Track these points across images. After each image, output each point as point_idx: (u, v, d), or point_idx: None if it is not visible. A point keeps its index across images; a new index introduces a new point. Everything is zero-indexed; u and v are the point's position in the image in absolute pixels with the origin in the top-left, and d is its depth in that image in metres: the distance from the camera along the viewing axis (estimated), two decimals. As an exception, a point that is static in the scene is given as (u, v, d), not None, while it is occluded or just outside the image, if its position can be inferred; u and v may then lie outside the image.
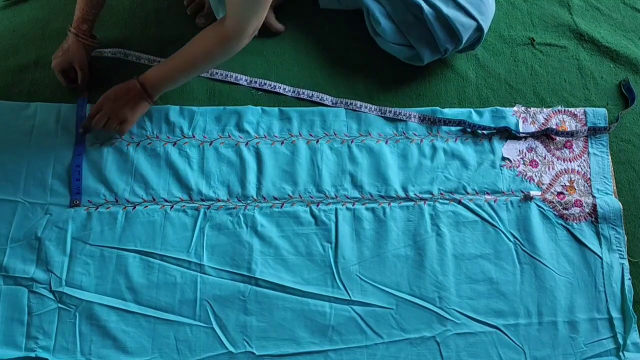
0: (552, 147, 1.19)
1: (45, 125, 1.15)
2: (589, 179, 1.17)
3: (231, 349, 1.02)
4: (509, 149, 1.18)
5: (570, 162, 1.18)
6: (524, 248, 1.10)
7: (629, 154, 1.20)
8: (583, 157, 1.18)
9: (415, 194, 1.14)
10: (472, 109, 1.21)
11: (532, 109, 1.22)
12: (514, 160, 1.17)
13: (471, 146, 1.18)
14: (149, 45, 1.24)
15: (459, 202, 1.13)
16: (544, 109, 1.22)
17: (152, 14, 1.29)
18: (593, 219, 1.13)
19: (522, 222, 1.12)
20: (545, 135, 1.19)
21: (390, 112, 1.19)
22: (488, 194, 1.14)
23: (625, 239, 1.12)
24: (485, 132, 1.19)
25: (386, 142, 1.17)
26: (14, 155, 1.12)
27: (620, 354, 1.04)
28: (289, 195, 1.13)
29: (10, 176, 1.11)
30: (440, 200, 1.13)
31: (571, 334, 1.05)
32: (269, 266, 1.07)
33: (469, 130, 1.19)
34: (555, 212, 1.13)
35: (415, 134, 1.18)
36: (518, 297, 1.07)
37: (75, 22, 1.14)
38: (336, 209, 1.12)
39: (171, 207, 1.11)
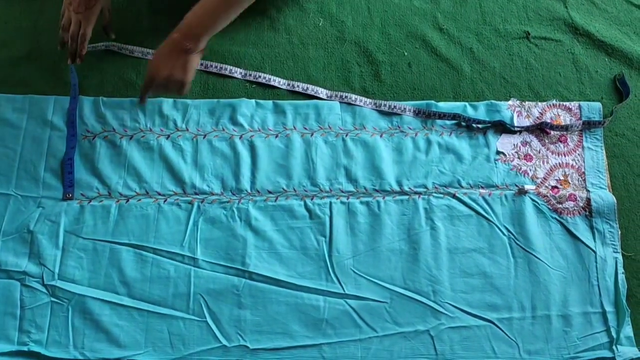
0: (546, 141, 1.19)
1: (38, 118, 1.14)
2: (583, 173, 1.17)
3: (225, 342, 1.02)
4: (504, 143, 1.18)
5: (565, 156, 1.18)
6: (518, 242, 1.10)
7: (623, 148, 1.20)
8: (577, 151, 1.18)
9: (409, 188, 1.13)
10: (467, 103, 1.21)
11: (527, 102, 1.22)
12: (509, 154, 1.17)
13: (466, 140, 1.18)
14: (142, 38, 1.24)
15: (454, 196, 1.13)
16: (539, 103, 1.22)
17: (145, 6, 1.28)
18: (587, 213, 1.13)
19: (517, 216, 1.12)
20: (540, 129, 1.19)
21: (385, 105, 1.19)
22: (482, 188, 1.14)
23: (619, 233, 1.12)
24: (480, 126, 1.18)
25: (381, 136, 1.17)
26: (5, 148, 1.12)
27: (614, 347, 1.04)
28: (283, 189, 1.12)
29: (2, 169, 1.10)
30: (435, 194, 1.13)
31: (565, 327, 1.05)
32: (263, 260, 1.07)
33: (463, 124, 1.19)
34: (549, 206, 1.13)
35: (410, 128, 1.18)
36: (512, 291, 1.07)
37: None
38: (330, 202, 1.12)
39: (164, 201, 1.10)
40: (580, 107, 1.22)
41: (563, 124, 1.19)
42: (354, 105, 1.19)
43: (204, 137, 1.15)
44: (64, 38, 1.15)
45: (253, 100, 1.19)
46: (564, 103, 1.22)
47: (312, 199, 1.12)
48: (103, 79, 1.20)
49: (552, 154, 1.18)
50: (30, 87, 1.18)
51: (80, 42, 1.13)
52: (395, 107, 1.19)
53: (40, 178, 1.10)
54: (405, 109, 1.19)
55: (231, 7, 1.02)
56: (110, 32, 1.21)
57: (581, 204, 1.13)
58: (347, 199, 1.12)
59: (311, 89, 1.21)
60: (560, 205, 1.13)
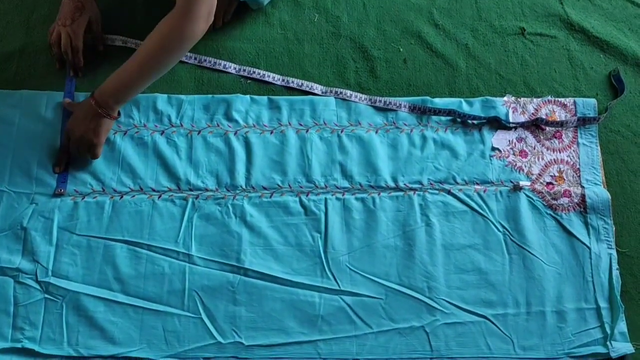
0: (541, 137, 1.19)
1: (31, 113, 1.14)
2: (578, 169, 1.17)
3: (220, 339, 1.02)
4: (499, 139, 1.18)
5: (560, 152, 1.18)
6: (512, 238, 1.10)
7: (618, 144, 1.20)
8: (572, 148, 1.18)
9: (404, 184, 1.13)
10: (462, 99, 1.21)
11: (522, 99, 1.22)
12: (504, 151, 1.17)
13: (461, 136, 1.18)
14: (137, 31, 1.23)
15: (449, 192, 1.13)
16: (534, 99, 1.22)
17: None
18: (582, 209, 1.13)
19: (511, 213, 1.12)
20: (535, 126, 1.19)
21: (380, 101, 1.19)
22: (477, 184, 1.14)
23: (614, 229, 1.12)
24: (475, 122, 1.18)
25: (376, 132, 1.17)
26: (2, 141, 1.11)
27: (608, 343, 1.05)
28: (279, 185, 1.12)
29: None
30: (430, 191, 1.13)
31: (559, 323, 1.06)
32: (258, 256, 1.07)
33: (459, 120, 1.18)
34: (544, 203, 1.13)
35: (405, 124, 1.18)
36: (507, 287, 1.07)
37: None
38: (326, 199, 1.11)
39: (159, 197, 1.10)
40: (575, 103, 1.22)
41: (558, 120, 1.19)
42: (349, 101, 1.19)
43: (198, 133, 1.15)
44: (57, 54, 1.16)
45: (248, 96, 1.18)
46: (559, 99, 1.22)
47: (307, 195, 1.11)
48: (96, 74, 1.19)
49: (547, 150, 1.18)
50: (23, 83, 1.17)
51: (74, 54, 1.14)
52: (390, 103, 1.19)
53: (33, 174, 1.09)
54: (400, 105, 1.19)
55: (151, 72, 1.04)
56: (98, 44, 1.20)
57: (576, 200, 1.13)
58: (343, 195, 1.12)
59: (306, 84, 1.20)
60: (555, 202, 1.13)
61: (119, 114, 1.09)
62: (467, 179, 1.14)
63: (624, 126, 1.22)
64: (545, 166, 1.16)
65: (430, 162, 1.15)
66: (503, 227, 1.11)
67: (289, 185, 1.12)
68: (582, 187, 1.15)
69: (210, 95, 1.18)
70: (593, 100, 1.22)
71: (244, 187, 1.12)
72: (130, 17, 1.25)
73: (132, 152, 1.12)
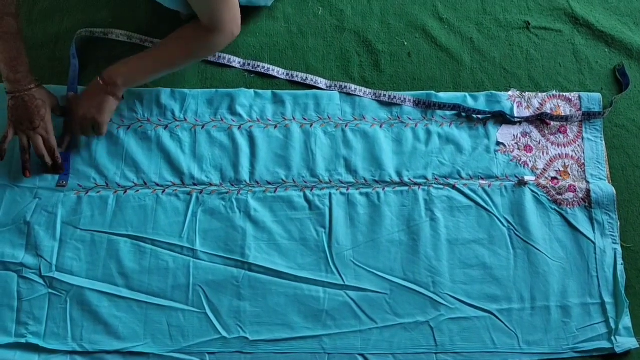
0: (546, 132, 1.18)
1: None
2: (583, 164, 1.16)
3: (224, 334, 1.02)
4: (504, 134, 1.17)
5: (565, 147, 1.17)
6: (517, 233, 1.10)
7: (623, 139, 1.20)
8: (577, 142, 1.18)
9: (409, 179, 1.13)
10: (467, 93, 1.20)
11: (527, 93, 1.21)
12: (509, 145, 1.17)
13: (466, 131, 1.17)
14: (139, 26, 1.22)
15: (453, 187, 1.13)
16: (539, 94, 1.21)
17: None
18: (587, 204, 1.13)
19: (516, 207, 1.12)
20: (540, 120, 1.19)
21: (385, 95, 1.18)
22: (482, 179, 1.14)
23: (618, 224, 1.12)
24: (480, 116, 1.18)
25: (381, 127, 1.16)
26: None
27: (612, 338, 1.05)
28: (283, 180, 1.12)
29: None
30: (435, 185, 1.13)
31: (564, 318, 1.06)
32: (262, 251, 1.07)
33: (463, 114, 1.18)
34: (549, 197, 1.13)
35: (410, 118, 1.17)
36: (511, 282, 1.07)
37: (26, 78, 1.03)
38: (330, 193, 1.11)
39: (163, 192, 1.09)
40: (580, 97, 1.21)
41: (563, 114, 1.19)
42: (354, 95, 1.18)
43: (202, 128, 1.14)
44: (26, 161, 1.06)
45: (252, 90, 1.17)
46: (564, 94, 1.22)
47: (311, 190, 1.11)
48: (99, 68, 1.18)
49: (552, 145, 1.17)
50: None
51: (52, 154, 1.07)
52: (395, 97, 1.18)
53: (37, 169, 1.09)
54: (405, 99, 1.18)
55: (167, 69, 1.08)
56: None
57: (581, 195, 1.13)
58: (347, 190, 1.12)
59: (310, 78, 1.20)
60: (559, 197, 1.13)
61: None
62: (471, 173, 1.14)
63: (629, 121, 1.21)
64: (550, 161, 1.16)
65: (435, 156, 1.15)
66: (508, 222, 1.11)
67: (293, 180, 1.12)
68: (587, 182, 1.14)
69: (214, 90, 1.17)
70: (598, 95, 1.22)
71: (248, 181, 1.11)
72: (134, 13, 1.24)
73: (136, 146, 1.12)
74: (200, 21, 1.02)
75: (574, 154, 1.17)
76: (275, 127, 1.15)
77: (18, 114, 1.03)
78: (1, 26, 1.00)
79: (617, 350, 1.04)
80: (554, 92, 1.22)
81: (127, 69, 1.04)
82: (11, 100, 1.03)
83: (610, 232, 1.11)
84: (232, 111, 1.16)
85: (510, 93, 1.21)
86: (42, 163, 1.07)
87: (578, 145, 1.18)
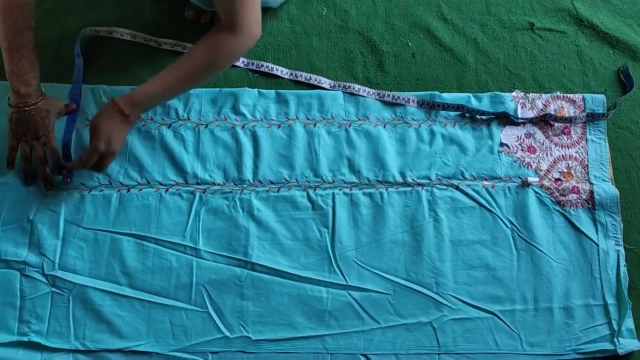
0: (550, 133, 1.18)
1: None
2: (587, 165, 1.16)
3: (227, 333, 1.01)
4: (507, 135, 1.17)
5: (568, 148, 1.17)
6: (520, 234, 1.10)
7: (627, 141, 1.20)
8: (581, 144, 1.18)
9: (413, 179, 1.13)
10: (471, 94, 1.20)
11: (530, 94, 1.21)
12: (512, 146, 1.16)
13: (469, 131, 1.17)
14: (143, 25, 1.22)
15: (457, 188, 1.12)
16: (543, 95, 1.21)
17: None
18: (590, 206, 1.13)
19: (520, 209, 1.12)
20: (544, 121, 1.19)
21: (388, 96, 1.18)
22: (486, 179, 1.14)
23: (622, 225, 1.12)
24: (483, 117, 1.18)
25: (384, 127, 1.16)
26: (3, 137, 1.10)
27: (615, 339, 1.04)
28: (286, 180, 1.12)
29: (1, 157, 1.08)
30: (438, 186, 1.13)
31: (566, 320, 1.06)
32: (265, 251, 1.06)
33: (467, 115, 1.18)
34: (552, 199, 1.13)
35: (413, 119, 1.17)
36: (514, 283, 1.07)
37: (36, 92, 1.03)
38: (333, 194, 1.11)
39: (166, 191, 1.09)
40: (584, 99, 1.21)
41: (567, 116, 1.19)
42: (358, 95, 1.18)
43: (205, 127, 1.14)
44: (28, 169, 1.07)
45: (255, 90, 1.17)
46: (568, 95, 1.21)
47: (314, 190, 1.11)
48: (102, 67, 1.19)
49: (556, 146, 1.17)
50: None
51: (55, 160, 1.07)
52: (398, 97, 1.18)
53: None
54: (409, 99, 1.18)
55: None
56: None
57: (584, 197, 1.13)
58: (350, 190, 1.11)
59: (314, 78, 1.20)
60: (563, 198, 1.13)
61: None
62: (475, 174, 1.14)
63: (632, 122, 1.21)
64: (554, 162, 1.16)
65: (438, 157, 1.15)
66: (511, 223, 1.11)
67: (297, 180, 1.12)
68: (591, 183, 1.14)
69: (217, 89, 1.17)
70: (602, 97, 1.21)
71: (251, 181, 1.11)
72: (138, 11, 1.24)
73: (139, 145, 1.12)
74: (223, 26, 0.98)
75: (577, 156, 1.17)
76: (279, 126, 1.15)
77: (22, 127, 1.03)
78: (21, 39, 0.99)
79: (620, 352, 1.03)
80: (558, 94, 1.21)
81: (153, 91, 0.99)
82: (16, 113, 1.02)
83: (613, 233, 1.11)
84: (236, 110, 1.16)
85: (514, 94, 1.21)
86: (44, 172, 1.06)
87: (582, 147, 1.18)
